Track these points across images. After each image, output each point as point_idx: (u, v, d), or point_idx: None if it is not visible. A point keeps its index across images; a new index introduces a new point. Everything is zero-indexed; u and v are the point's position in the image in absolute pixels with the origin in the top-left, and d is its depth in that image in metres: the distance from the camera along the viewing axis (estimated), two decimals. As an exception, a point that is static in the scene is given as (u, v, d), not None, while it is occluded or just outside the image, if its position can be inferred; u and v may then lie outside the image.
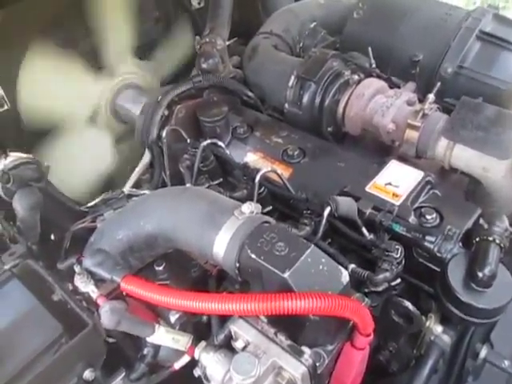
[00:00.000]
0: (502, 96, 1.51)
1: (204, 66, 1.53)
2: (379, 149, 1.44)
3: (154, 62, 1.83)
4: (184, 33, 1.95)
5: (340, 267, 0.87)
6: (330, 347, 0.87)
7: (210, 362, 0.84)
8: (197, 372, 0.90)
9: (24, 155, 1.20)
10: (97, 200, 1.35)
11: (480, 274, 0.93)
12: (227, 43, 1.87)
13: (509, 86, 1.51)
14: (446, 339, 1.02)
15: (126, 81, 1.73)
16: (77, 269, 0.95)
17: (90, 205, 1.35)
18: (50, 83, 1.61)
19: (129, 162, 1.69)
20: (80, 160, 1.71)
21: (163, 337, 0.91)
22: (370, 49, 1.56)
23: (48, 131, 1.65)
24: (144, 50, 1.84)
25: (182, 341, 0.93)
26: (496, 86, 1.52)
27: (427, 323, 1.01)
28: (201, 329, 1.08)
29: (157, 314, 1.05)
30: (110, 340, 1.04)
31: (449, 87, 1.57)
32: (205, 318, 1.06)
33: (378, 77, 1.51)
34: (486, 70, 1.54)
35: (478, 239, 0.99)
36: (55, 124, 1.65)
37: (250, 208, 0.92)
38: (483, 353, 1.09)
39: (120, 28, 1.70)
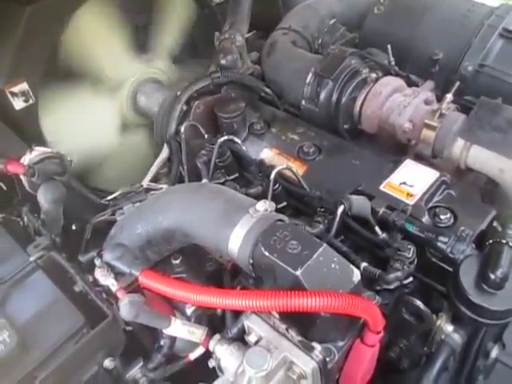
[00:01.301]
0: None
1: (223, 62, 1.55)
2: (395, 147, 1.45)
3: (160, 50, 1.86)
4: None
5: (352, 266, 0.89)
6: (340, 343, 0.89)
7: (224, 354, 0.87)
8: (211, 363, 0.93)
9: (48, 150, 1.24)
10: (116, 193, 1.39)
11: (492, 276, 0.93)
12: (246, 36, 1.90)
13: (531, 85, 1.49)
14: (457, 338, 1.03)
15: (144, 76, 1.77)
16: (97, 262, 0.98)
17: (109, 198, 1.39)
18: (90, 43, 1.65)
19: (136, 155, 1.74)
20: (85, 136, 1.74)
21: (179, 329, 0.94)
22: (389, 46, 1.56)
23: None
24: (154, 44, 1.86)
25: (197, 333, 0.96)
26: (517, 84, 1.50)
27: (438, 322, 1.02)
28: (215, 321, 1.12)
29: (173, 306, 1.08)
30: (128, 328, 1.09)
31: (469, 85, 1.56)
32: (219, 311, 1.09)
33: (397, 75, 1.51)
34: (508, 68, 1.53)
35: (491, 241, 0.99)
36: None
37: (264, 206, 0.94)
38: (494, 352, 1.10)
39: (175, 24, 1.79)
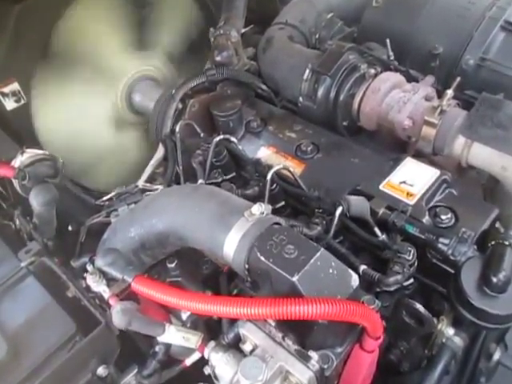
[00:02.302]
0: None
1: (218, 58, 1.51)
2: (395, 144, 1.41)
3: (162, 51, 1.83)
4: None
5: (350, 270, 0.87)
6: (339, 349, 0.86)
7: (219, 362, 0.86)
8: (207, 370, 0.91)
9: (40, 152, 1.22)
10: (111, 194, 1.36)
11: (494, 279, 0.91)
12: (243, 31, 1.86)
13: (533, 79, 1.46)
14: (458, 342, 1.01)
15: (139, 74, 1.74)
16: (89, 268, 0.96)
17: (104, 199, 1.37)
18: (59, 99, 1.64)
19: (126, 153, 1.71)
20: (79, 134, 1.72)
21: (174, 336, 0.92)
22: (388, 40, 1.52)
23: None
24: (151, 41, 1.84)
25: (192, 339, 0.94)
26: (519, 78, 1.47)
27: (439, 326, 1.00)
28: (212, 326, 1.10)
29: (168, 311, 1.06)
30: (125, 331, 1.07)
31: (470, 79, 1.53)
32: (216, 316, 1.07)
33: (396, 70, 1.47)
34: (510, 62, 1.49)
35: (493, 243, 0.97)
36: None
37: (260, 209, 0.92)
38: (497, 355, 1.08)
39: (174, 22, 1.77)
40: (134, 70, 1.74)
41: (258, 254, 0.85)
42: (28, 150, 1.20)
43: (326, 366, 0.83)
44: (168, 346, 1.00)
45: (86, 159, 1.71)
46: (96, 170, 1.79)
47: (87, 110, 1.71)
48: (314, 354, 0.79)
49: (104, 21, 1.66)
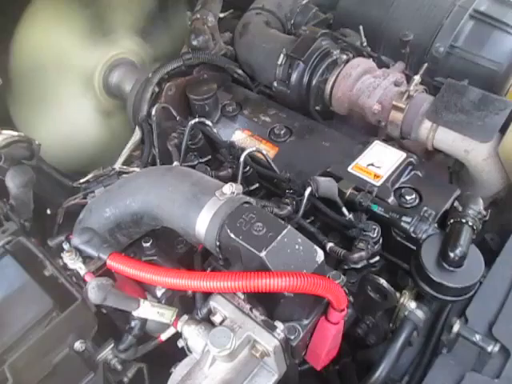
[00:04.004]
0: (494, 76, 1.52)
1: (194, 43, 1.53)
2: (366, 128, 1.46)
3: (150, 42, 1.83)
4: (181, 14, 1.93)
5: (316, 247, 0.91)
6: (305, 321, 0.91)
7: (191, 334, 0.89)
8: (180, 343, 0.95)
9: (15, 133, 1.23)
10: (88, 176, 1.38)
11: (451, 255, 0.97)
12: (222, 15, 1.87)
13: (499, 66, 1.51)
14: (420, 315, 1.07)
15: (121, 56, 1.73)
16: (65, 246, 0.99)
17: (81, 181, 1.39)
18: (48, 37, 1.61)
19: (118, 138, 1.72)
20: (63, 126, 1.72)
21: (148, 311, 0.95)
22: (361, 27, 1.56)
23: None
24: (146, 31, 1.83)
25: (166, 314, 0.97)
26: (487, 66, 1.52)
27: (401, 299, 1.06)
28: (187, 302, 1.13)
29: (144, 288, 1.10)
30: (104, 311, 1.11)
31: (440, 66, 1.58)
32: (190, 292, 1.11)
33: (369, 56, 1.51)
34: (477, 49, 1.54)
35: (452, 221, 1.02)
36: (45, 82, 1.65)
37: (231, 189, 0.95)
38: (456, 327, 1.14)
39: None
40: (106, 56, 1.72)
41: (229, 231, 0.89)
42: (3, 132, 1.21)
43: (292, 337, 0.87)
44: (143, 322, 1.03)
45: (69, 147, 1.71)
46: (65, 149, 1.75)
47: (66, 100, 1.71)
48: (279, 324, 0.83)
49: (63, 13, 1.61)
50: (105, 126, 1.83)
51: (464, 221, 1.00)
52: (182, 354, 0.96)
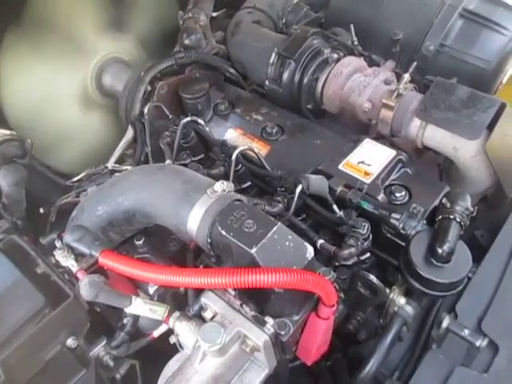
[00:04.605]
0: (483, 74, 1.54)
1: (186, 42, 1.54)
2: (358, 126, 1.48)
3: (132, 34, 1.82)
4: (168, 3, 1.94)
5: (306, 243, 0.92)
6: (295, 317, 0.92)
7: (183, 330, 0.90)
8: (172, 339, 0.96)
9: (7, 132, 1.24)
10: (81, 175, 1.39)
11: (439, 251, 0.98)
12: (215, 14, 1.88)
13: (489, 64, 1.53)
14: (409, 310, 1.08)
15: (109, 56, 1.73)
16: (58, 244, 0.99)
17: (74, 180, 1.39)
18: (27, 79, 1.62)
19: (109, 136, 1.72)
20: (46, 108, 1.71)
21: (140, 307, 0.96)
22: (352, 26, 1.57)
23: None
24: (119, 22, 1.81)
25: (158, 311, 0.98)
26: (476, 64, 1.54)
27: (391, 295, 1.07)
28: (179, 299, 1.14)
29: (136, 286, 1.10)
30: (97, 309, 1.11)
31: (430, 65, 1.60)
32: (182, 289, 1.12)
33: (359, 55, 1.52)
34: (467, 48, 1.56)
35: (440, 217, 1.04)
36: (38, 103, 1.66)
37: (222, 186, 0.96)
38: (445, 322, 1.16)
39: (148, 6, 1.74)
40: (106, 50, 1.73)
41: (220, 228, 0.89)
42: (-4, 131, 1.21)
43: (283, 333, 0.88)
44: (136, 318, 1.04)
45: (49, 135, 1.70)
46: (59, 148, 1.77)
47: (56, 85, 1.69)
48: (269, 320, 0.84)
49: None
50: (83, 118, 1.81)
51: (452, 217, 1.01)
52: (175, 350, 0.97)
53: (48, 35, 1.62)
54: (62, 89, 1.71)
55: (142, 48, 1.85)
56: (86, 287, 0.90)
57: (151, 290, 1.08)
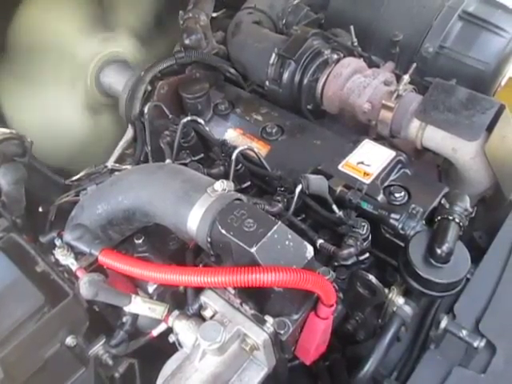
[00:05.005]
0: (482, 76, 1.54)
1: (187, 41, 1.54)
2: (358, 127, 1.48)
3: (126, 29, 1.81)
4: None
5: (305, 243, 0.92)
6: (295, 316, 0.92)
7: (182, 329, 0.90)
8: (171, 338, 0.96)
9: (7, 131, 1.24)
10: (81, 174, 1.39)
11: (438, 251, 0.99)
12: (215, 15, 1.88)
13: (487, 66, 1.54)
14: (408, 310, 1.08)
15: (106, 56, 1.73)
16: (57, 243, 1.00)
17: (74, 179, 1.40)
18: (49, 20, 1.61)
19: (106, 136, 1.73)
20: (50, 111, 1.72)
21: (140, 306, 0.96)
22: (351, 27, 1.58)
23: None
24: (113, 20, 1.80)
25: (158, 310, 0.98)
26: (475, 66, 1.55)
27: (390, 295, 1.07)
28: (179, 298, 1.14)
29: (136, 284, 1.11)
30: (97, 309, 1.11)
31: (430, 66, 1.60)
32: (181, 288, 1.12)
33: (359, 56, 1.53)
34: (466, 50, 1.57)
35: (439, 218, 1.04)
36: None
37: (222, 186, 0.96)
38: (444, 323, 1.16)
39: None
40: (101, 52, 1.72)
41: (220, 227, 0.90)
42: (-5, 129, 1.21)
43: (282, 332, 0.88)
44: (135, 317, 1.04)
45: (56, 141, 1.71)
46: (67, 152, 1.78)
47: (56, 92, 1.70)
48: (269, 318, 0.84)
49: (61, 5, 1.62)
50: (93, 122, 1.82)
51: (451, 218, 1.02)
52: (174, 349, 0.97)
53: (38, 58, 1.62)
54: (65, 105, 1.72)
55: (138, 42, 1.83)
56: (86, 286, 0.90)
57: (151, 288, 1.08)
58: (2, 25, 1.51)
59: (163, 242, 1.22)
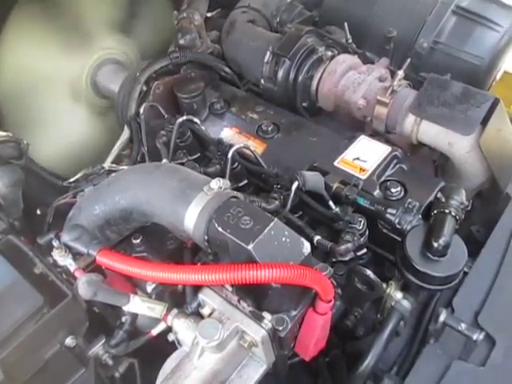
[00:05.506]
0: (477, 71, 1.55)
1: (181, 41, 1.55)
2: (353, 124, 1.48)
3: (134, 39, 1.83)
4: (164, 7, 1.94)
5: (302, 239, 0.92)
6: (293, 313, 0.93)
7: (181, 327, 0.91)
8: (170, 337, 0.97)
9: (3, 133, 1.24)
10: (78, 175, 1.39)
11: (435, 245, 0.99)
12: (209, 15, 1.89)
13: (482, 61, 1.54)
14: (406, 305, 1.09)
15: (107, 56, 1.74)
16: (55, 243, 1.00)
17: (71, 180, 1.40)
18: (28, 56, 1.62)
19: (110, 136, 1.73)
20: (56, 131, 1.73)
21: (138, 306, 0.96)
22: (345, 24, 1.58)
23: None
24: (126, 25, 1.82)
25: (157, 309, 0.98)
26: (470, 61, 1.55)
27: (388, 290, 1.08)
28: (177, 298, 1.15)
29: (134, 284, 1.11)
30: (96, 310, 1.12)
31: (424, 62, 1.61)
32: (180, 287, 1.12)
33: (354, 52, 1.53)
34: (460, 45, 1.57)
35: (435, 211, 1.04)
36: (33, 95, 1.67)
37: (218, 184, 0.96)
38: (442, 316, 1.17)
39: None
40: (108, 49, 1.73)
41: (216, 225, 0.90)
42: (-9, 132, 1.22)
43: (280, 328, 0.89)
44: (134, 317, 1.05)
45: (61, 150, 1.73)
46: (71, 158, 1.78)
47: (52, 68, 1.69)
48: (267, 315, 0.85)
49: (29, 41, 1.61)
50: (97, 125, 1.83)
51: (447, 211, 1.02)
52: (173, 348, 0.97)
53: (58, 17, 1.62)
54: (56, 73, 1.70)
55: (140, 55, 1.85)
56: (84, 286, 0.90)
57: (149, 288, 1.08)
58: None
59: (161, 242, 1.21)
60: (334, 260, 1.14)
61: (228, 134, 1.42)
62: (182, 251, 1.21)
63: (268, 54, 1.47)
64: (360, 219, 1.08)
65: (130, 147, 1.57)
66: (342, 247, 1.04)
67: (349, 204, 1.13)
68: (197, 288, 1.00)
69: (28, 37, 1.59)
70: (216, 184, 0.96)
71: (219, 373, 0.83)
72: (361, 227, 1.07)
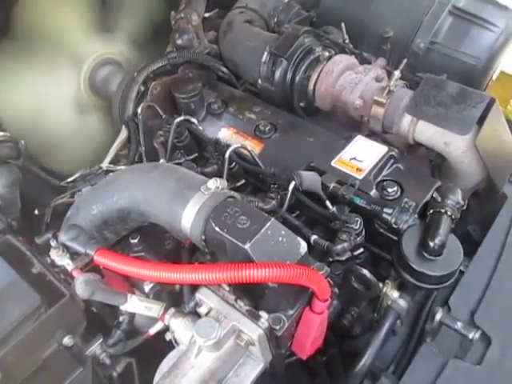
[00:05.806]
0: (473, 71, 1.55)
1: (179, 42, 1.55)
2: (351, 124, 1.49)
3: (121, 33, 1.82)
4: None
5: (299, 239, 0.93)
6: (290, 312, 0.93)
7: (178, 326, 0.91)
8: (168, 336, 0.97)
9: (1, 133, 1.24)
10: (75, 176, 1.39)
11: (431, 244, 1.00)
12: (207, 15, 1.89)
13: (478, 61, 1.55)
14: (403, 304, 1.09)
15: (102, 57, 1.74)
16: (53, 243, 1.00)
17: (69, 180, 1.40)
18: (20, 79, 1.65)
19: (97, 137, 1.74)
20: (40, 112, 1.72)
21: (136, 305, 0.97)
22: (343, 24, 1.59)
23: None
24: (107, 22, 1.81)
25: (154, 308, 0.99)
26: (466, 61, 1.56)
27: (384, 289, 1.08)
28: (175, 297, 1.15)
29: (132, 284, 1.11)
30: (94, 310, 1.12)
31: (421, 62, 1.61)
32: (177, 287, 1.12)
33: (351, 52, 1.54)
34: (456, 45, 1.58)
35: (431, 211, 1.05)
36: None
37: (215, 184, 0.97)
38: (439, 315, 1.17)
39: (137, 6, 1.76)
40: (97, 52, 1.73)
41: (213, 224, 0.90)
42: (-12, 133, 1.22)
43: (277, 327, 0.89)
44: (132, 316, 1.05)
45: (46, 141, 1.71)
46: (57, 152, 1.78)
47: (49, 93, 1.71)
48: (264, 314, 0.85)
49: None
50: (79, 121, 1.82)
51: (443, 211, 1.03)
52: (171, 348, 0.98)
53: (37, 45, 1.64)
54: (55, 96, 1.72)
55: (134, 47, 1.85)
56: (82, 285, 0.91)
57: (147, 288, 1.09)
58: (7, 7, 1.54)
59: (159, 242, 1.22)
60: (330, 259, 1.14)
61: (225, 134, 1.43)
62: (180, 251, 1.21)
63: (265, 54, 1.47)
64: (356, 219, 1.08)
65: (127, 147, 1.57)
66: (339, 247, 1.05)
67: (345, 204, 1.13)
68: (194, 287, 1.00)
69: (12, 73, 1.63)
70: (213, 184, 0.97)
71: (216, 371, 0.83)
72: (357, 227, 1.08)
